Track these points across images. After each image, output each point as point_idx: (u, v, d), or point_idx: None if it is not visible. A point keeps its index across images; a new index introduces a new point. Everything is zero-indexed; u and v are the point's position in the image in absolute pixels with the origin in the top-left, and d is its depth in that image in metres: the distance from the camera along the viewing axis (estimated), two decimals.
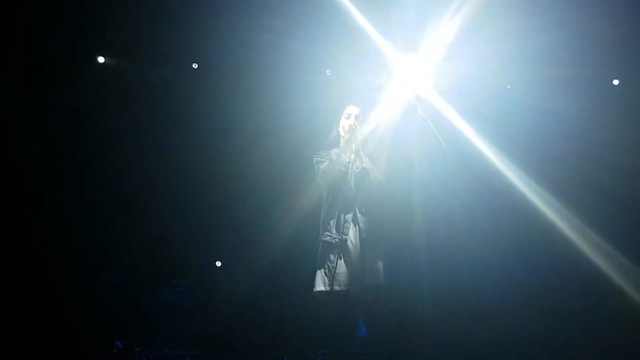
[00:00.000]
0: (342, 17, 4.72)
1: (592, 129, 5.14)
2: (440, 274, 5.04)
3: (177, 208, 5.32)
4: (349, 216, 3.87)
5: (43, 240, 5.09)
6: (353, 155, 3.92)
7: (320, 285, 3.81)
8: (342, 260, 3.80)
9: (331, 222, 3.88)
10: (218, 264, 5.46)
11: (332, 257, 3.82)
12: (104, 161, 5.33)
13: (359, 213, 3.89)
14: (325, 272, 3.82)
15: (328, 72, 5.25)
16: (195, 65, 5.22)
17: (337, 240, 3.83)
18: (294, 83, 5.19)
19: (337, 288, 3.77)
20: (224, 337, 4.98)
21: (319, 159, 4.02)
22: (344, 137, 3.98)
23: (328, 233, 3.87)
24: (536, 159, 5.07)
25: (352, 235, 3.85)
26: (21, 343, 4.52)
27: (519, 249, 5.12)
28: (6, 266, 4.90)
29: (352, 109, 4.04)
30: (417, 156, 4.57)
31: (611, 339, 4.68)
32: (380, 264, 3.84)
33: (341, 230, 3.83)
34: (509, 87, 5.29)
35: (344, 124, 4.01)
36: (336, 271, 3.77)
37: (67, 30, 4.95)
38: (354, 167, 3.92)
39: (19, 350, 4.45)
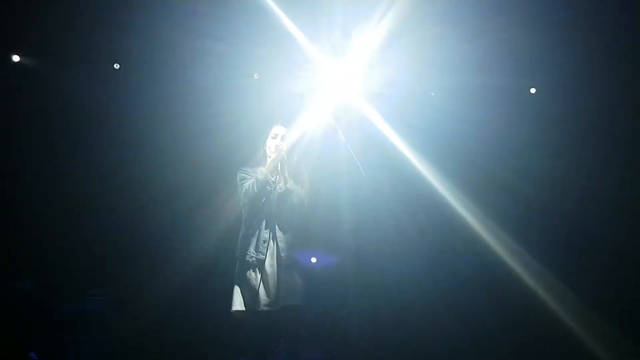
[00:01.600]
0: (270, 21, 4.69)
1: (507, 135, 5.28)
2: (366, 281, 5.11)
3: (95, 212, 5.13)
4: (268, 235, 3.85)
5: None
6: (278, 176, 3.92)
7: (237, 304, 3.79)
8: (258, 280, 3.78)
9: (250, 240, 3.85)
10: None
11: (249, 276, 3.81)
12: (17, 163, 5.12)
13: (279, 233, 3.87)
14: (242, 292, 3.80)
15: (255, 76, 5.19)
16: (116, 66, 5.05)
17: (254, 259, 3.82)
18: (220, 86, 5.11)
19: (252, 308, 3.74)
20: (142, 348, 4.85)
21: (243, 175, 3.98)
22: (269, 157, 3.97)
23: (246, 252, 3.84)
24: (456, 164, 5.19)
25: (269, 255, 3.83)
26: None
27: (443, 254, 5.24)
28: None
29: (278, 129, 4.04)
30: (343, 167, 4.63)
31: (525, 338, 4.89)
32: (298, 284, 3.83)
33: (259, 249, 3.83)
34: (433, 94, 5.36)
35: (271, 144, 4.00)
36: (252, 291, 3.76)
37: None
38: (278, 187, 3.91)
39: None
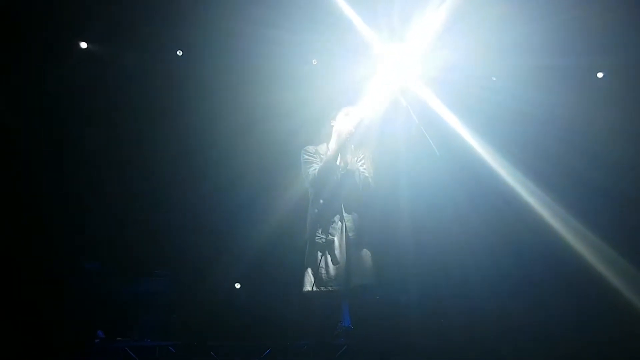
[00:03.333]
0: (328, 7, 4.68)
1: (578, 119, 5.13)
2: (427, 267, 5.06)
3: (161, 198, 5.27)
4: (336, 217, 3.88)
5: (23, 229, 5.02)
6: (340, 158, 3.93)
7: (307, 285, 3.82)
8: (329, 260, 3.81)
9: (318, 222, 3.88)
10: (237, 285, 5.40)
11: (319, 257, 3.84)
12: (84, 151, 5.26)
13: (345, 213, 3.89)
14: (312, 273, 3.83)
15: (314, 62, 5.20)
16: (179, 53, 5.15)
17: (323, 240, 3.85)
18: (279, 73, 5.16)
19: (323, 289, 3.78)
20: (207, 327, 4.94)
21: (307, 157, 4.00)
22: (334, 136, 3.97)
23: (315, 233, 3.87)
24: (522, 150, 5.07)
25: (338, 235, 3.86)
26: (2, 333, 4.43)
27: (507, 243, 5.12)
28: None
29: (349, 110, 4.03)
30: (403, 151, 4.58)
31: (602, 338, 4.62)
32: (368, 263, 3.85)
33: (327, 230, 3.86)
34: (494, 78, 5.27)
35: (341, 123, 3.98)
36: (323, 271, 3.80)
37: (48, 16, 4.85)
38: (341, 168, 3.93)
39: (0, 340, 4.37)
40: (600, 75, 5.25)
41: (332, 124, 4.03)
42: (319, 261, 3.82)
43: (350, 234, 3.85)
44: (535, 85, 5.03)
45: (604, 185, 5.06)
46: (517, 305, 4.93)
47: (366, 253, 3.87)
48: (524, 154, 5.03)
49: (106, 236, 5.20)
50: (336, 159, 3.89)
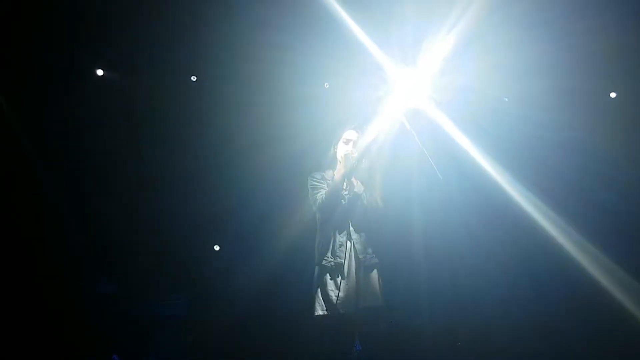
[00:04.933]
0: (340, 30, 4.72)
1: (590, 141, 5.13)
2: (439, 289, 5.06)
3: (175, 219, 5.35)
4: (344, 239, 3.90)
5: (39, 249, 5.11)
6: (346, 182, 3.97)
7: (318, 309, 3.83)
8: (339, 284, 3.83)
9: (327, 245, 3.90)
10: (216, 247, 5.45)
11: (328, 280, 3.86)
12: (103, 172, 5.37)
13: (354, 235, 3.91)
14: (322, 296, 3.85)
15: (326, 85, 5.27)
16: (194, 78, 5.26)
17: (332, 263, 3.87)
18: (291, 95, 5.22)
19: (334, 312, 3.78)
20: (220, 350, 4.97)
21: (314, 183, 4.04)
22: (339, 162, 4.01)
23: (324, 257, 3.89)
24: (535, 172, 5.07)
25: (347, 257, 3.87)
26: (17, 356, 4.47)
27: (520, 264, 5.11)
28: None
29: (351, 134, 4.06)
30: (415, 172, 4.62)
31: (611, 355, 4.70)
32: (377, 286, 3.86)
33: (336, 253, 3.87)
34: (506, 99, 5.29)
35: (342, 148, 4.04)
36: (333, 295, 3.81)
37: (64, 41, 4.98)
38: (348, 194, 3.96)
39: None
40: (613, 95, 5.21)
41: (335, 150, 4.08)
42: (328, 284, 3.84)
43: (360, 256, 3.87)
44: (547, 107, 5.05)
45: (618, 209, 5.04)
46: (532, 329, 4.92)
47: (376, 275, 3.88)
48: (537, 177, 5.03)
49: (122, 258, 5.29)
50: (342, 184, 3.93)
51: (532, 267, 5.11)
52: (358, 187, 3.99)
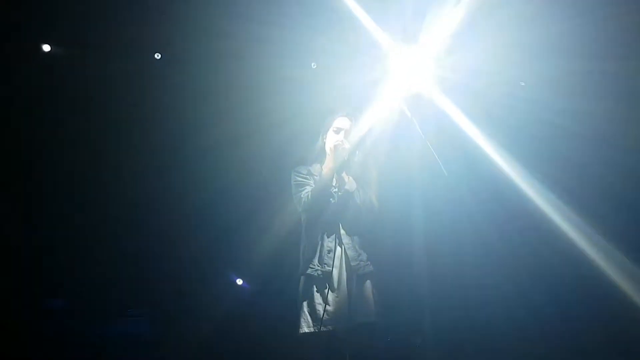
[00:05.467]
0: (330, 2, 4.80)
1: (620, 133, 5.20)
2: (444, 303, 5.13)
3: (135, 224, 5.38)
4: (333, 244, 3.96)
5: None
6: (337, 180, 4.03)
7: (304, 326, 3.90)
8: (327, 296, 3.89)
9: (313, 251, 3.97)
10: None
11: (315, 292, 3.92)
12: (50, 168, 5.36)
13: (345, 239, 3.99)
14: (308, 311, 3.91)
15: (314, 65, 5.34)
16: (157, 56, 5.27)
17: (319, 272, 3.94)
18: (273, 78, 5.27)
19: (323, 329, 3.85)
20: None
21: (299, 179, 4.10)
22: (329, 155, 4.08)
23: (310, 265, 3.96)
24: (555, 168, 5.13)
25: (337, 265, 3.94)
26: None
27: (537, 274, 5.19)
28: None
29: (343, 122, 4.13)
30: (416, 167, 4.72)
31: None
32: (371, 298, 3.93)
33: (324, 260, 3.94)
34: (522, 83, 5.34)
35: (332, 138, 4.10)
36: (320, 309, 3.86)
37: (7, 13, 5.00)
38: (339, 192, 4.02)
39: None
40: None
41: (324, 140, 4.15)
42: (315, 297, 3.91)
43: (352, 264, 3.94)
44: (569, 93, 5.11)
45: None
46: (550, 348, 5.04)
47: (371, 285, 3.96)
48: (558, 173, 5.11)
49: (73, 268, 5.29)
50: (331, 180, 3.99)
51: (551, 275, 5.21)
52: (350, 183, 4.06)
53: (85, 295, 5.30)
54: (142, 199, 5.40)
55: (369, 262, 3.99)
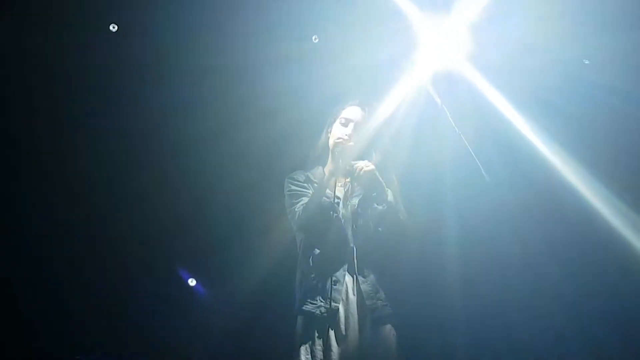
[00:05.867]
0: None
1: None
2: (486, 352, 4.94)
3: (86, 234, 5.16)
4: (342, 274, 3.81)
5: None
6: (345, 187, 3.95)
7: None
8: (333, 341, 3.75)
9: (314, 283, 3.84)
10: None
11: (316, 335, 3.78)
12: None
13: (358, 267, 3.84)
14: (307, 358, 3.78)
15: (315, 39, 5.16)
16: (113, 28, 5.06)
17: (323, 310, 3.79)
18: (265, 55, 5.06)
19: None
20: None
21: (294, 188, 4.01)
22: (334, 153, 4.00)
23: (310, 300, 3.83)
24: (627, 171, 4.93)
25: (347, 302, 3.80)
26: None
27: (605, 308, 4.93)
28: None
29: (352, 112, 4.03)
30: (447, 169, 4.57)
31: None
32: (391, 349, 3.78)
33: (329, 295, 3.78)
34: (587, 61, 5.09)
35: (338, 132, 3.98)
36: (323, 356, 3.74)
37: None
38: (348, 203, 3.93)
39: None
40: None
41: (327, 136, 4.06)
42: (316, 343, 3.77)
43: (367, 302, 3.80)
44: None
45: None
46: None
47: (391, 332, 3.81)
48: (627, 175, 4.90)
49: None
50: (333, 188, 3.85)
51: (621, 307, 4.92)
52: (367, 193, 3.93)
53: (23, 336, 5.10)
54: (99, 206, 5.18)
55: (387, 303, 3.83)
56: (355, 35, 5.00)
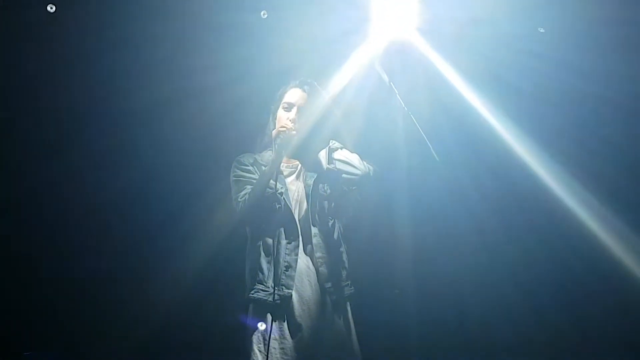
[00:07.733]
0: None
1: None
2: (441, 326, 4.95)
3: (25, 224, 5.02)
4: (293, 259, 3.76)
5: None
6: (289, 177, 3.91)
7: None
8: (286, 330, 3.72)
9: (263, 268, 3.77)
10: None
11: (269, 324, 3.73)
12: None
13: (314, 251, 3.78)
14: (259, 349, 3.73)
15: (263, 14, 5.02)
16: (51, 8, 4.83)
17: (275, 297, 3.72)
18: (208, 28, 4.94)
19: None
20: None
21: (240, 174, 3.91)
22: (275, 143, 3.92)
23: (261, 286, 3.77)
24: (584, 149, 4.92)
25: (301, 288, 3.76)
26: None
27: (560, 288, 5.00)
28: None
29: (294, 95, 3.96)
30: (399, 152, 4.47)
31: None
32: (351, 334, 3.78)
33: (280, 281, 3.72)
34: (542, 29, 5.04)
35: (282, 119, 3.91)
36: (277, 346, 3.71)
37: None
38: (294, 192, 3.88)
39: None
40: None
41: (274, 121, 3.98)
42: (269, 331, 3.73)
43: (326, 285, 3.78)
44: (606, 50, 4.85)
45: None
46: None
47: (349, 317, 3.82)
48: (584, 153, 4.90)
49: None
50: (275, 178, 3.77)
51: (576, 296, 4.98)
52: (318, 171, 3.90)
53: None
54: (34, 195, 4.99)
55: (349, 282, 3.83)
56: (302, 9, 4.85)
